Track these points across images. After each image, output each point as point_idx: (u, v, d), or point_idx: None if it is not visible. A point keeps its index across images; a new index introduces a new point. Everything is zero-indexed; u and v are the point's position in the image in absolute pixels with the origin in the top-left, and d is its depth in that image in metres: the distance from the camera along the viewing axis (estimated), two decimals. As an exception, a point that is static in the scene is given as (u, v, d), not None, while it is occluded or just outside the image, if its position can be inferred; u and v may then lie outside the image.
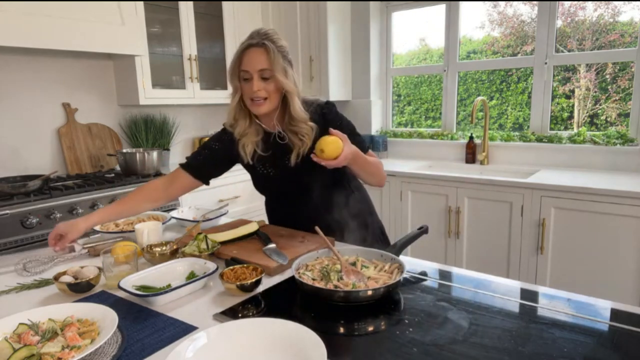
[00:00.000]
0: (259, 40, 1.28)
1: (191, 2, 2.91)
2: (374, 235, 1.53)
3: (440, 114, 3.34)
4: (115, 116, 2.93)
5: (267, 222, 1.59)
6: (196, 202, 2.55)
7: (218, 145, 1.47)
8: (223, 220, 1.64)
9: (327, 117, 1.39)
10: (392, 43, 3.51)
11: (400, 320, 0.91)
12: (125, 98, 2.85)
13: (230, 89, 1.39)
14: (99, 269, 1.11)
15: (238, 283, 1.01)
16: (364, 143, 1.42)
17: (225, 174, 1.54)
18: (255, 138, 1.40)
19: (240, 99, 1.36)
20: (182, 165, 1.48)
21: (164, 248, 1.26)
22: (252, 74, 1.28)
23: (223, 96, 3.16)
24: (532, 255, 2.35)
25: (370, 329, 0.89)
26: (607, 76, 2.75)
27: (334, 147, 1.17)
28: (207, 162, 1.47)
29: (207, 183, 1.50)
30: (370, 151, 1.43)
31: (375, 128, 3.53)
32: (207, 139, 1.58)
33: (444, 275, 1.17)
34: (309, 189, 1.42)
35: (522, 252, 2.38)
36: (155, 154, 2.59)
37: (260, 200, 1.63)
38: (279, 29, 3.38)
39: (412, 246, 1.37)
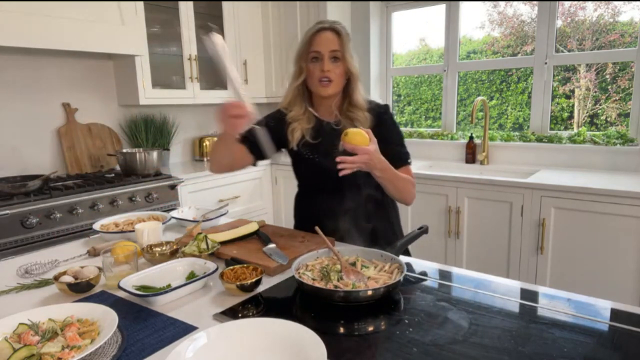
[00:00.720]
0: (330, 25, 1.33)
1: (191, 2, 2.91)
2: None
3: (440, 114, 3.34)
4: (115, 116, 2.93)
5: (267, 221, 1.58)
6: (196, 202, 2.56)
7: (273, 124, 1.44)
8: (223, 220, 1.64)
9: (382, 117, 1.40)
10: (392, 43, 3.51)
11: (400, 320, 0.91)
12: (125, 98, 2.85)
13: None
14: (99, 269, 1.11)
15: (238, 283, 1.01)
16: (406, 155, 1.40)
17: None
18: (306, 125, 1.41)
19: (301, 82, 1.38)
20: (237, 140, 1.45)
21: (164, 248, 1.26)
22: (324, 54, 1.32)
23: (223, 96, 3.16)
24: (532, 255, 2.35)
25: (370, 329, 0.89)
26: (607, 76, 2.75)
27: (361, 137, 1.17)
28: None
29: (255, 164, 1.47)
30: (409, 167, 1.41)
31: (375, 128, 3.53)
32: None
33: (444, 275, 1.17)
34: (348, 184, 1.38)
35: (522, 252, 2.38)
36: (155, 154, 2.59)
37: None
38: (279, 29, 3.38)
39: (412, 246, 1.37)
